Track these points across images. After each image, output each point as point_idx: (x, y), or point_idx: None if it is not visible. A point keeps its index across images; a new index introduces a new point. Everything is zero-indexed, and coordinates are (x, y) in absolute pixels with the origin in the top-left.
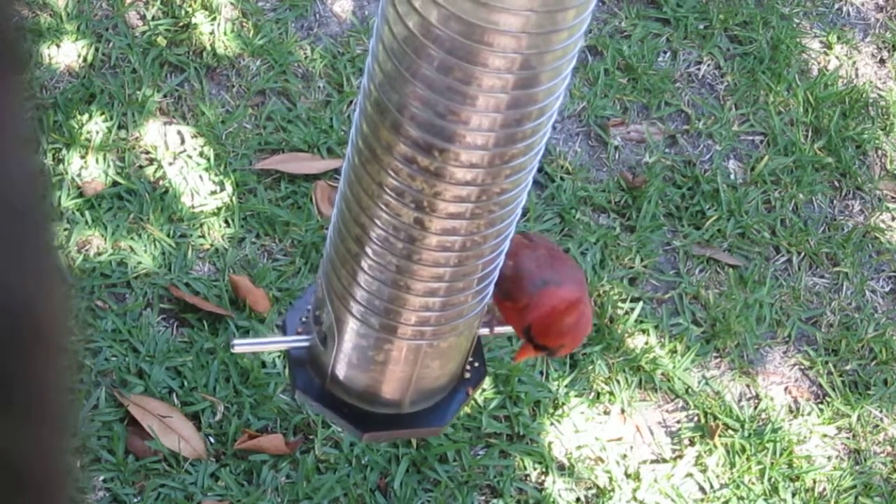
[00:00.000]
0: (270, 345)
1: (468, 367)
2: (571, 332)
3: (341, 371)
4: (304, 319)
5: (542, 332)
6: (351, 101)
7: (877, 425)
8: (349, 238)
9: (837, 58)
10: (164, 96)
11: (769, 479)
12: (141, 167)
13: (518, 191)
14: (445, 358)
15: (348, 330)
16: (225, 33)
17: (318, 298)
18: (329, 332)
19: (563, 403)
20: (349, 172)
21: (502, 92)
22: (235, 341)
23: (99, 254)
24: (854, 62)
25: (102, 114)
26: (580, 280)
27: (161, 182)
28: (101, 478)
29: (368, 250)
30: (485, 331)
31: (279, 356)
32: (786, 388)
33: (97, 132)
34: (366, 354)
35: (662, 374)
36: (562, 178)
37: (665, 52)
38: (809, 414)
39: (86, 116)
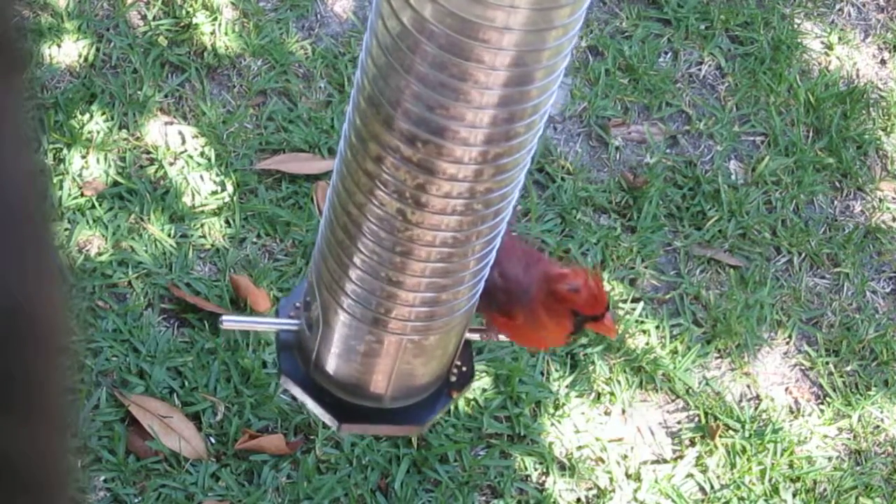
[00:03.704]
0: (260, 325)
1: (455, 370)
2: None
3: (325, 359)
4: (297, 305)
5: (587, 303)
6: None
7: (877, 426)
8: (337, 227)
9: (838, 58)
10: (165, 96)
11: (770, 480)
12: (142, 167)
13: (510, 188)
14: (429, 356)
15: (334, 319)
16: (226, 33)
17: (308, 285)
18: (315, 320)
19: (564, 404)
20: (341, 166)
21: (496, 88)
22: (224, 317)
23: (99, 254)
24: (855, 63)
25: (103, 113)
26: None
27: (162, 182)
28: (102, 478)
29: (355, 240)
30: (475, 336)
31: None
32: (786, 389)
33: (98, 132)
34: (349, 345)
35: (663, 374)
36: (563, 179)
37: (666, 53)
38: (810, 414)
39: (87, 116)
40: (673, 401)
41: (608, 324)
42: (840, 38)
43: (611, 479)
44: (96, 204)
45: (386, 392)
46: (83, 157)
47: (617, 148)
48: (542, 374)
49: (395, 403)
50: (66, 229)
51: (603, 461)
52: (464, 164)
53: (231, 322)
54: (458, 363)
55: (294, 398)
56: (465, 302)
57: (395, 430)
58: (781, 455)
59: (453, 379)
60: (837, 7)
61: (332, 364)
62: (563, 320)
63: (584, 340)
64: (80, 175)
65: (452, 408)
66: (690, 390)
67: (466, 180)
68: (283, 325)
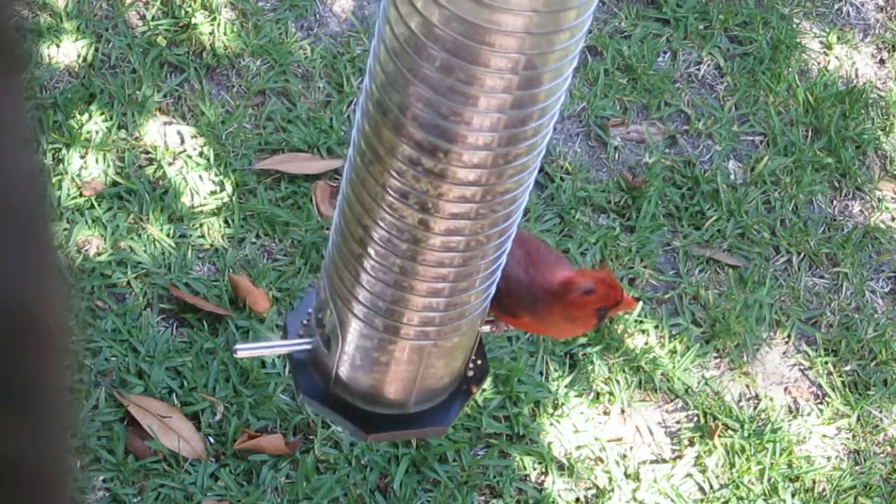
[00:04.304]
0: (273, 349)
1: (471, 365)
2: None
3: (345, 372)
4: (305, 322)
5: (607, 296)
6: (351, 102)
7: (876, 426)
8: (352, 239)
9: (837, 58)
10: (164, 96)
11: (769, 480)
12: (141, 167)
13: (520, 190)
14: (449, 357)
15: (352, 331)
16: (225, 33)
17: (320, 300)
18: (332, 334)
19: (563, 403)
20: (351, 174)
21: (504, 92)
22: (238, 346)
23: (99, 254)
24: (854, 62)
25: (102, 114)
26: (564, 260)
27: (161, 182)
28: (101, 478)
29: (371, 251)
30: (485, 328)
31: (280, 357)
32: (785, 389)
33: (97, 132)
34: (369, 355)
35: (662, 374)
36: (562, 179)
37: (665, 53)
38: (809, 414)
39: (86, 116)
40: (672, 400)
41: (627, 301)
42: (839, 38)
43: (610, 479)
44: (95, 204)
45: (410, 397)
46: (82, 157)
47: (616, 148)
48: (540, 373)
49: (419, 407)
50: (65, 229)
51: (602, 461)
52: (475, 168)
53: (245, 350)
54: (474, 357)
55: (295, 398)
56: (483, 301)
57: (421, 433)
58: (780, 455)
59: (470, 374)
60: (836, 7)
61: (353, 376)
62: (588, 321)
63: (583, 340)
64: (79, 175)
65: None
66: (689, 390)
67: (478, 184)
68: (297, 346)
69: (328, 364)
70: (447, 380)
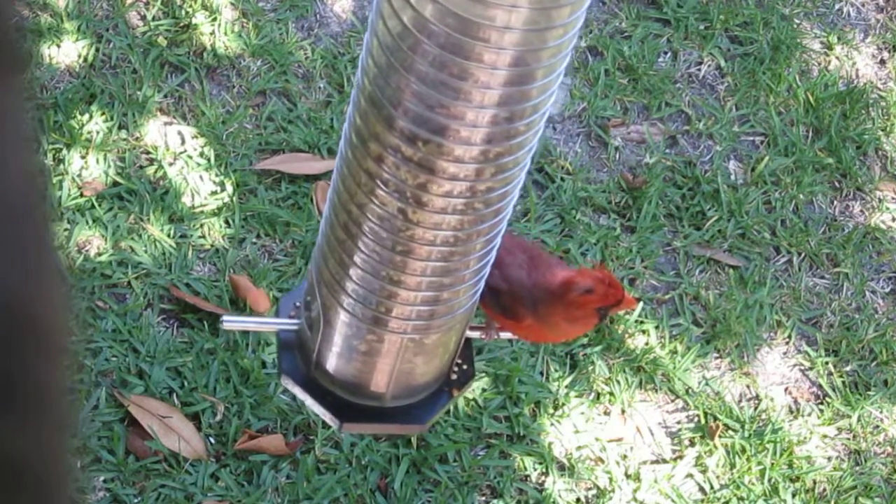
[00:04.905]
0: (260, 325)
1: (455, 369)
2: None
3: (326, 359)
4: (297, 304)
5: (607, 295)
6: None
7: (877, 426)
8: (338, 226)
9: (838, 58)
10: (165, 96)
11: (769, 480)
12: (141, 167)
13: (511, 187)
14: (430, 355)
15: (334, 318)
16: (225, 33)
17: (309, 285)
18: (316, 319)
19: (564, 404)
20: (341, 164)
21: (496, 88)
22: (225, 317)
23: (99, 254)
24: (854, 63)
25: (103, 114)
26: (564, 264)
27: (161, 182)
28: (102, 478)
29: (356, 239)
30: (475, 334)
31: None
32: (786, 389)
33: (97, 132)
34: (350, 344)
35: (663, 374)
36: (562, 179)
37: (665, 53)
38: (809, 414)
39: (86, 116)
40: (672, 401)
41: (628, 300)
42: (839, 38)
43: (610, 480)
44: (96, 204)
45: (387, 391)
46: (83, 157)
47: (616, 148)
48: (541, 374)
49: (396, 402)
50: (65, 229)
51: (602, 461)
52: (464, 163)
53: (232, 322)
54: (459, 361)
55: (295, 398)
56: (466, 301)
57: (396, 430)
58: (781, 455)
59: (454, 377)
60: (837, 7)
61: (333, 363)
62: (589, 321)
63: (584, 340)
64: (79, 175)
65: (452, 407)
66: (690, 390)
67: (467, 179)
68: (283, 325)
69: (310, 347)
70: (427, 378)
